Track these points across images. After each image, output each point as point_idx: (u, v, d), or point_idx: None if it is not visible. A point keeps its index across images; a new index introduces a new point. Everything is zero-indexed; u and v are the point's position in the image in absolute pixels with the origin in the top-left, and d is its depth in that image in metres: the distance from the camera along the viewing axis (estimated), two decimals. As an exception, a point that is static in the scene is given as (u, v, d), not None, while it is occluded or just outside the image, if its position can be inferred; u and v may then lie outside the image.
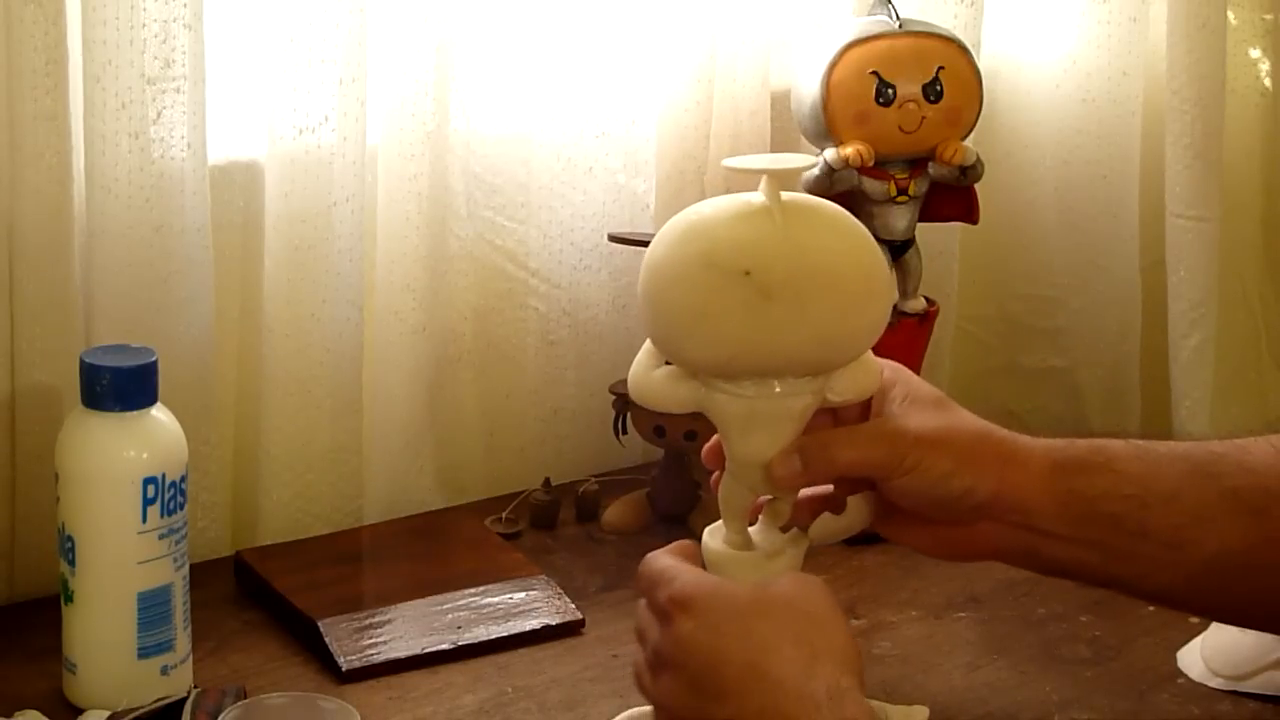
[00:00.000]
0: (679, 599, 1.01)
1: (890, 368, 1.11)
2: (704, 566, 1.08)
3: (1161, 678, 1.28)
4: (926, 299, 1.54)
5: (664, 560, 1.05)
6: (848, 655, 0.98)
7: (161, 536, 1.18)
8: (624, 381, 1.15)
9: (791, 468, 1.06)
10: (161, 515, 1.18)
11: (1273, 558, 1.07)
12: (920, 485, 1.07)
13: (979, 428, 1.10)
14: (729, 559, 1.09)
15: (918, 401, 1.09)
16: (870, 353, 1.10)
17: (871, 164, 1.47)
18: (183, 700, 1.15)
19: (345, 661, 1.26)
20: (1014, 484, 1.08)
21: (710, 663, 0.98)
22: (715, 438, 1.10)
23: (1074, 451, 1.09)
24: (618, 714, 1.19)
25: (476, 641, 1.30)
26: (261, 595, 1.35)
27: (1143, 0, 1.68)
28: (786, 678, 0.96)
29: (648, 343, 1.10)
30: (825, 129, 1.47)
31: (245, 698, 1.15)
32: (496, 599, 1.34)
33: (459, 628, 1.30)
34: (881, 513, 1.12)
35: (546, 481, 1.50)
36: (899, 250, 1.50)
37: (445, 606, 1.32)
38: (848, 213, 1.09)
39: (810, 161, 1.43)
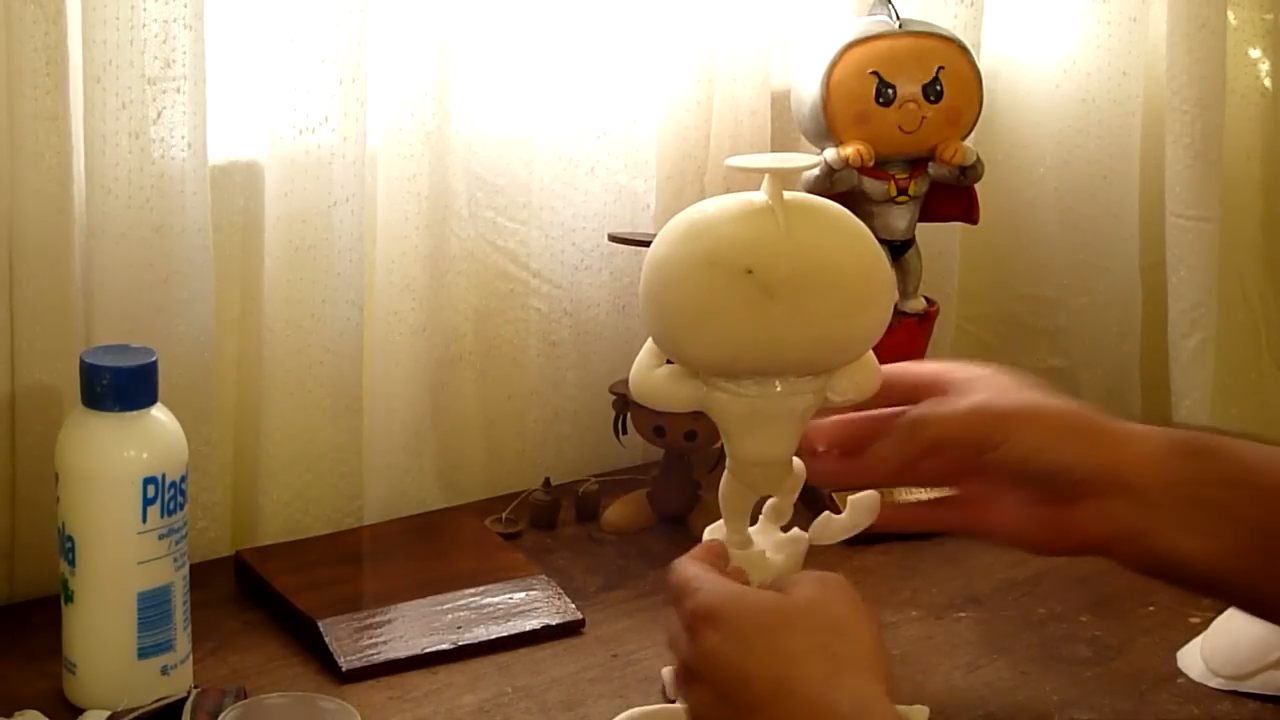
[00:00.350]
0: (703, 612, 0.99)
1: (960, 374, 1.10)
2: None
3: (1161, 678, 1.28)
4: (926, 299, 1.54)
5: (690, 569, 1.03)
6: (873, 660, 0.97)
7: (161, 536, 1.18)
8: (624, 381, 1.15)
9: (886, 445, 1.05)
10: (161, 515, 1.18)
11: None
12: (1012, 459, 1.05)
13: (1077, 407, 1.07)
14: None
15: (1007, 385, 1.08)
16: (871, 353, 1.11)
17: (871, 164, 1.47)
18: (183, 700, 1.15)
19: (345, 661, 1.26)
20: (1121, 460, 1.05)
21: (737, 677, 0.97)
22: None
23: (1188, 435, 1.07)
24: (618, 714, 1.19)
25: (476, 641, 1.29)
26: (261, 595, 1.35)
27: (1143, 0, 1.68)
28: (811, 693, 0.95)
29: (649, 342, 1.10)
30: (825, 129, 1.47)
31: (245, 698, 1.15)
32: (496, 599, 1.34)
33: (459, 628, 1.30)
34: (981, 507, 1.10)
35: (546, 481, 1.50)
36: (899, 250, 1.50)
37: (445, 606, 1.32)
38: (850, 213, 1.09)
39: (812, 161, 1.44)
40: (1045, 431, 1.05)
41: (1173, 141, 1.68)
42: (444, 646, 1.29)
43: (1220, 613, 1.29)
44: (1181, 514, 1.05)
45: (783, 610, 0.99)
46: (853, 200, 1.44)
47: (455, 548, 1.42)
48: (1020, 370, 1.13)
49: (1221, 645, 1.27)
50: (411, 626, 1.30)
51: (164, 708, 1.15)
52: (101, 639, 1.20)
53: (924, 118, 1.48)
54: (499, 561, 1.39)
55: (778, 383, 1.07)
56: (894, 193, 1.48)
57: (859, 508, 1.15)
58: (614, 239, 1.48)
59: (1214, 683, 1.27)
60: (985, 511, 1.10)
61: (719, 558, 1.07)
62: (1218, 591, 1.08)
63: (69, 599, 1.20)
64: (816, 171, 1.46)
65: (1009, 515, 1.09)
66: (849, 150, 1.46)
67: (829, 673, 0.95)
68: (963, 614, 1.37)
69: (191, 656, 1.23)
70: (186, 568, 1.21)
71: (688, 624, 1.00)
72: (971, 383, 1.09)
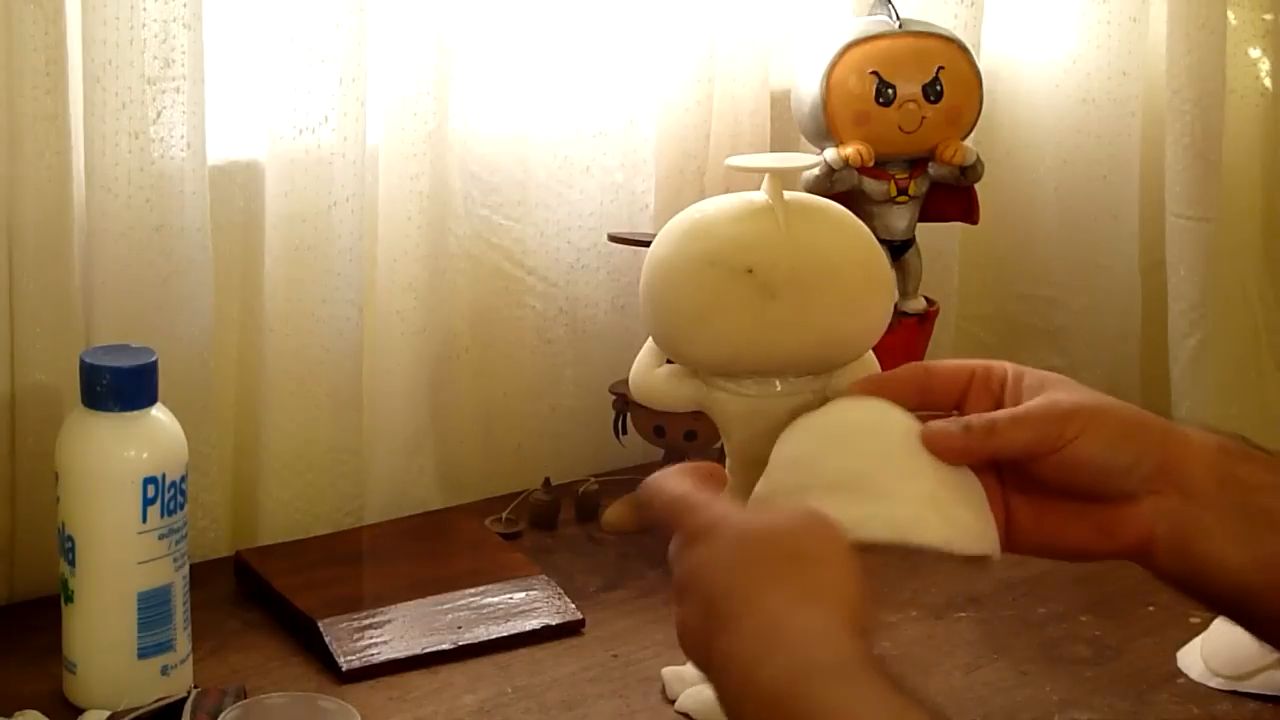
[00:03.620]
0: (703, 527, 0.96)
1: (1010, 364, 1.06)
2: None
3: (1161, 678, 1.28)
4: (926, 299, 1.54)
5: (683, 486, 0.99)
6: (839, 595, 0.94)
7: (161, 536, 1.18)
8: (624, 381, 1.15)
9: (951, 440, 1.03)
10: (161, 515, 1.18)
11: None
12: (1086, 455, 1.01)
13: (1133, 406, 1.05)
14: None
15: (1058, 382, 1.05)
16: (871, 353, 1.10)
17: (871, 164, 1.47)
18: (183, 700, 1.15)
19: (345, 661, 1.26)
20: (1178, 457, 1.03)
21: (719, 590, 0.95)
22: None
23: (1239, 443, 1.05)
24: (618, 714, 1.19)
25: (476, 641, 1.29)
26: (261, 595, 1.35)
27: (1143, 0, 1.68)
28: (773, 615, 0.93)
29: (649, 341, 1.10)
30: (825, 129, 1.47)
31: (245, 698, 1.15)
32: (496, 599, 1.34)
33: (459, 628, 1.30)
34: (1027, 516, 1.05)
35: (546, 481, 1.50)
36: (899, 250, 1.50)
37: (445, 606, 1.32)
38: (850, 213, 1.09)
39: (812, 161, 1.43)
40: (1112, 429, 1.03)
41: (1173, 141, 1.68)
42: (444, 646, 1.29)
43: (1220, 612, 1.29)
44: (1228, 518, 1.03)
45: (770, 531, 0.97)
46: (853, 200, 1.44)
47: (455, 548, 1.42)
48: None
49: (1221, 645, 1.27)
50: (411, 626, 1.30)
51: (164, 708, 1.15)
52: (101, 639, 1.20)
53: (924, 118, 1.48)
54: (499, 561, 1.39)
55: (778, 382, 1.07)
56: (894, 193, 1.48)
57: None
58: (614, 239, 1.48)
59: (1214, 683, 1.27)
60: (1034, 526, 1.08)
61: (712, 479, 1.04)
62: (1247, 608, 1.06)
63: (69, 599, 1.20)
64: (816, 171, 1.46)
65: (1059, 524, 1.07)
66: (849, 150, 1.46)
67: (795, 599, 0.94)
68: (963, 614, 1.37)
69: (191, 656, 1.23)
70: (186, 568, 1.21)
71: (688, 538, 0.98)
72: (1024, 382, 1.07)
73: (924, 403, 1.06)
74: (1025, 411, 1.03)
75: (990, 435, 1.02)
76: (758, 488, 1.02)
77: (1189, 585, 1.06)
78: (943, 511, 1.00)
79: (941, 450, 1.02)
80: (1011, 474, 1.04)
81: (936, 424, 1.02)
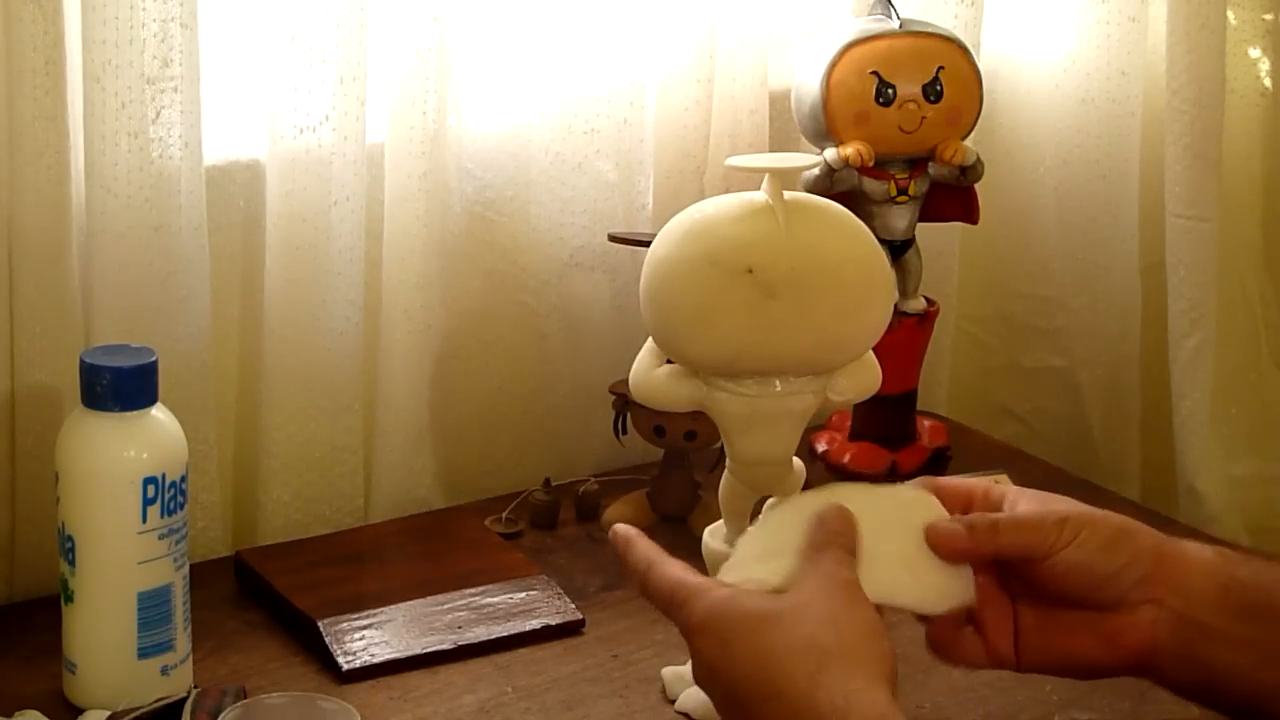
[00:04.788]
0: (695, 624, 0.98)
1: (1013, 490, 1.08)
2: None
3: (1162, 678, 1.28)
4: (926, 299, 1.54)
5: (674, 575, 1.01)
6: (861, 650, 0.95)
7: (161, 536, 1.18)
8: (624, 381, 1.15)
9: (957, 540, 1.04)
10: (161, 515, 1.18)
11: None
12: (1078, 559, 1.03)
13: (1130, 520, 1.06)
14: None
15: (1048, 498, 1.06)
16: (871, 353, 1.11)
17: (871, 164, 1.47)
18: (183, 700, 1.15)
19: (345, 661, 1.26)
20: (1175, 566, 1.04)
21: (730, 684, 0.96)
22: None
23: (1235, 549, 1.07)
24: (618, 714, 1.19)
25: (476, 641, 1.29)
26: (261, 595, 1.35)
27: (1142, 0, 1.68)
28: (795, 691, 0.94)
29: (649, 341, 1.10)
30: (825, 129, 1.47)
31: (245, 698, 1.15)
32: (496, 599, 1.34)
33: (459, 628, 1.30)
34: (1035, 631, 1.06)
35: (546, 481, 1.50)
36: (899, 250, 1.50)
37: (445, 606, 1.32)
38: (850, 213, 1.09)
39: (812, 161, 1.43)
40: (1103, 535, 1.04)
41: (1172, 141, 1.68)
42: (444, 646, 1.29)
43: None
44: (1234, 620, 1.04)
45: (768, 612, 0.97)
46: (853, 200, 1.44)
47: (455, 548, 1.42)
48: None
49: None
50: (411, 626, 1.30)
51: (164, 708, 1.15)
52: (101, 639, 1.20)
53: (924, 118, 1.48)
54: (499, 561, 1.39)
55: (778, 382, 1.07)
56: (894, 193, 1.48)
57: None
58: (614, 239, 1.48)
59: (1214, 683, 1.27)
60: (1036, 638, 1.08)
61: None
62: (1265, 708, 1.06)
63: (69, 599, 1.20)
64: (816, 171, 1.46)
65: (1064, 632, 1.06)
66: (849, 150, 1.46)
67: (813, 669, 0.94)
68: (963, 614, 1.36)
69: (191, 656, 1.23)
70: (186, 568, 1.21)
71: (684, 636, 1.00)
72: (1011, 496, 1.08)
73: None
74: (1024, 516, 1.05)
75: (993, 536, 1.03)
76: (730, 560, 1.03)
77: (1204, 694, 1.07)
78: (915, 573, 1.02)
79: (946, 549, 1.03)
80: (1016, 584, 1.05)
81: (942, 524, 1.04)
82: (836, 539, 1.00)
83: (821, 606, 0.97)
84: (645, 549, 1.03)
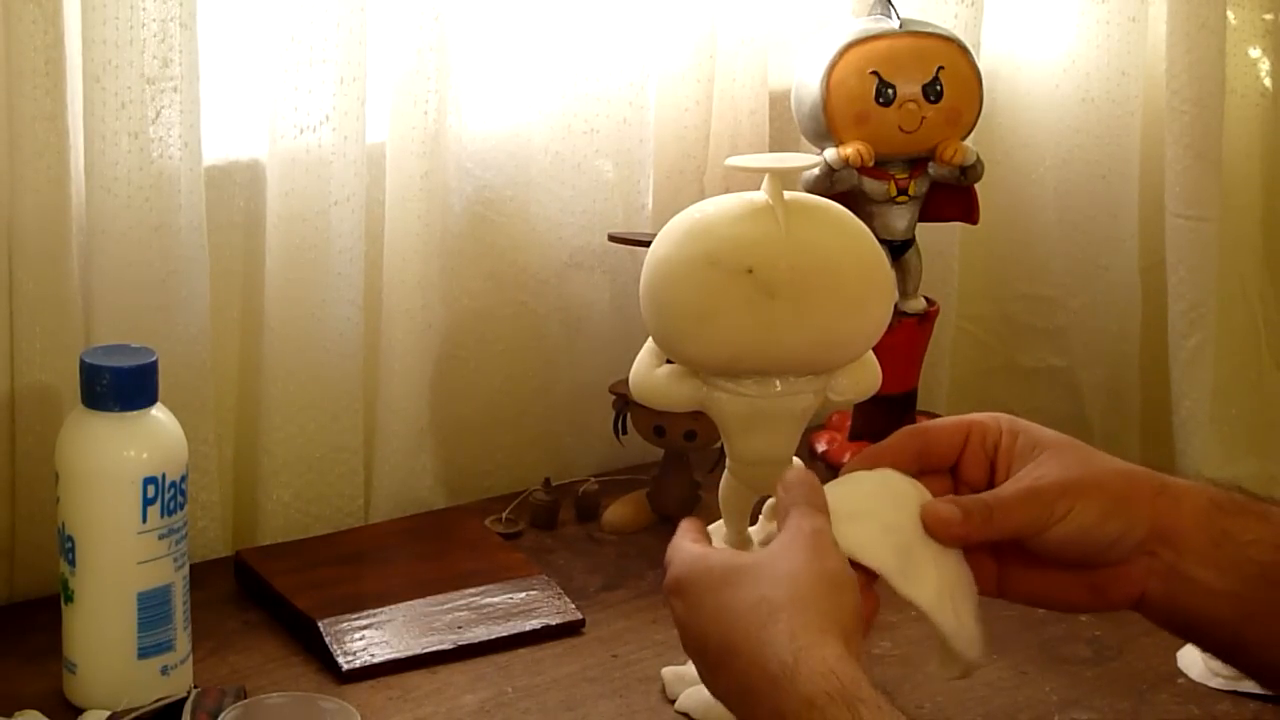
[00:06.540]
0: (671, 584, 1.00)
1: (1006, 420, 1.07)
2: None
3: (1161, 678, 1.28)
4: (926, 299, 1.54)
5: (673, 544, 1.03)
6: (819, 607, 0.95)
7: (161, 536, 1.18)
8: (624, 381, 1.15)
9: (951, 527, 1.04)
10: (161, 515, 1.18)
11: None
12: (1072, 532, 1.03)
13: (1123, 467, 1.06)
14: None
15: (1050, 448, 1.06)
16: (871, 353, 1.10)
17: (871, 164, 1.47)
18: (183, 700, 1.15)
19: (345, 661, 1.26)
20: (1169, 517, 1.03)
21: (698, 642, 0.98)
22: None
23: (1232, 495, 1.06)
24: (618, 714, 1.19)
25: (476, 641, 1.29)
26: (261, 595, 1.35)
27: (1142, 0, 1.68)
28: (749, 646, 0.94)
29: (649, 341, 1.10)
30: (825, 129, 1.47)
31: (245, 698, 1.15)
32: (496, 599, 1.34)
33: (459, 628, 1.30)
34: (1020, 576, 1.07)
35: (546, 481, 1.50)
36: (899, 250, 1.50)
37: (445, 606, 1.32)
38: (850, 213, 1.09)
39: (812, 161, 1.44)
40: (1100, 504, 1.03)
41: (1172, 141, 1.68)
42: (444, 646, 1.29)
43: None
44: (1220, 574, 1.04)
45: (729, 570, 0.98)
46: (853, 200, 1.44)
47: (455, 548, 1.42)
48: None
49: (1222, 645, 1.27)
50: (411, 626, 1.30)
51: (164, 708, 1.15)
52: (101, 639, 1.20)
53: (924, 118, 1.48)
54: (499, 561, 1.39)
55: (778, 382, 1.07)
56: (894, 193, 1.49)
57: None
58: (614, 239, 1.48)
59: (1214, 683, 1.27)
60: (1023, 580, 1.08)
61: (698, 531, 1.05)
62: (1240, 658, 1.06)
63: (69, 599, 1.20)
64: (816, 171, 1.46)
65: (1051, 582, 1.07)
66: (849, 150, 1.46)
67: (761, 625, 0.94)
68: (963, 614, 1.36)
69: (191, 656, 1.23)
70: (186, 568, 1.21)
71: (666, 599, 1.01)
72: (1017, 445, 1.07)
73: (922, 467, 1.07)
74: (1016, 495, 1.04)
75: (987, 522, 1.04)
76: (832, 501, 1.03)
77: (1183, 633, 1.07)
78: (953, 605, 1.05)
79: (941, 534, 1.04)
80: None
81: (938, 508, 1.04)
82: (802, 497, 1.01)
83: (779, 563, 0.97)
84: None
